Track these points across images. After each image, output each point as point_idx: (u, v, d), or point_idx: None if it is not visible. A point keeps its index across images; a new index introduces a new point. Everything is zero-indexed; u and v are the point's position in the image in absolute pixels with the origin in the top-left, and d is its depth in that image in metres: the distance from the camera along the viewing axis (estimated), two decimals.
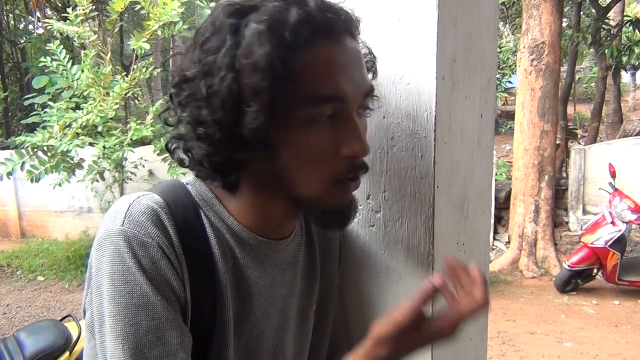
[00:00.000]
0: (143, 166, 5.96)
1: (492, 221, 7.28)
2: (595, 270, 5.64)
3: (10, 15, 13.45)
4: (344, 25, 0.68)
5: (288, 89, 0.64)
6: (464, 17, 0.85)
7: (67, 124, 4.83)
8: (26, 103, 7.29)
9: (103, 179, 5.31)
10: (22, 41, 12.41)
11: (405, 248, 0.86)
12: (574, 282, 5.69)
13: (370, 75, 0.78)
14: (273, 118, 0.65)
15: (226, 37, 0.64)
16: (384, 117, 0.86)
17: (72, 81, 4.99)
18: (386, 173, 0.88)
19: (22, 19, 13.73)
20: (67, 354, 2.23)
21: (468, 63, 0.88)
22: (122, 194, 6.19)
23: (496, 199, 7.39)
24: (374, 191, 0.90)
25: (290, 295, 0.83)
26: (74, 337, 2.29)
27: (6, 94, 12.01)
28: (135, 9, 4.97)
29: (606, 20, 8.72)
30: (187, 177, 0.79)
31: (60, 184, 4.97)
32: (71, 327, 2.38)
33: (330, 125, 0.67)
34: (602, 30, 8.57)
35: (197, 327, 0.71)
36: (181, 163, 0.74)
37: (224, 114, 0.66)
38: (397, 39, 0.82)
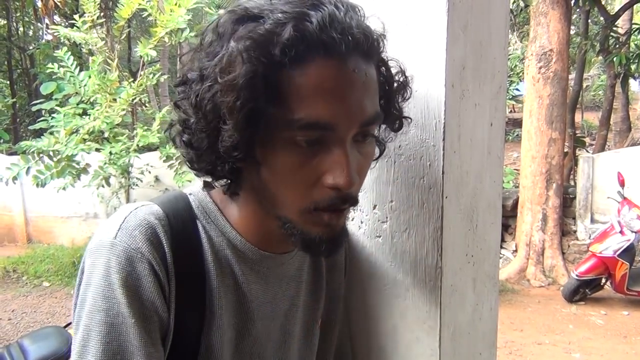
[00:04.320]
0: (149, 172, 5.98)
1: None
2: (603, 280, 5.58)
3: (20, 22, 13.58)
4: (352, 45, 0.60)
5: (269, 108, 0.60)
6: (474, 23, 0.83)
7: (73, 129, 4.86)
8: (34, 109, 7.32)
9: (109, 184, 5.32)
10: (31, 48, 12.52)
11: (413, 260, 0.84)
12: (582, 292, 5.62)
13: (399, 98, 0.73)
14: (253, 135, 0.62)
15: (223, 45, 0.62)
16: None
17: (80, 87, 5.03)
18: (393, 182, 0.86)
19: (31, 26, 13.85)
20: None
21: (478, 70, 0.86)
22: (128, 199, 6.22)
23: (503, 206, 7.28)
24: (381, 201, 0.88)
25: (292, 310, 0.81)
26: None
27: (15, 100, 12.10)
28: (143, 15, 5.01)
29: (614, 28, 8.67)
30: (192, 187, 0.77)
31: (64, 188, 4.99)
32: None
33: (316, 150, 0.62)
34: (610, 38, 8.53)
35: (179, 349, 0.69)
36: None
37: (206, 124, 0.64)
38: (405, 45, 0.80)
